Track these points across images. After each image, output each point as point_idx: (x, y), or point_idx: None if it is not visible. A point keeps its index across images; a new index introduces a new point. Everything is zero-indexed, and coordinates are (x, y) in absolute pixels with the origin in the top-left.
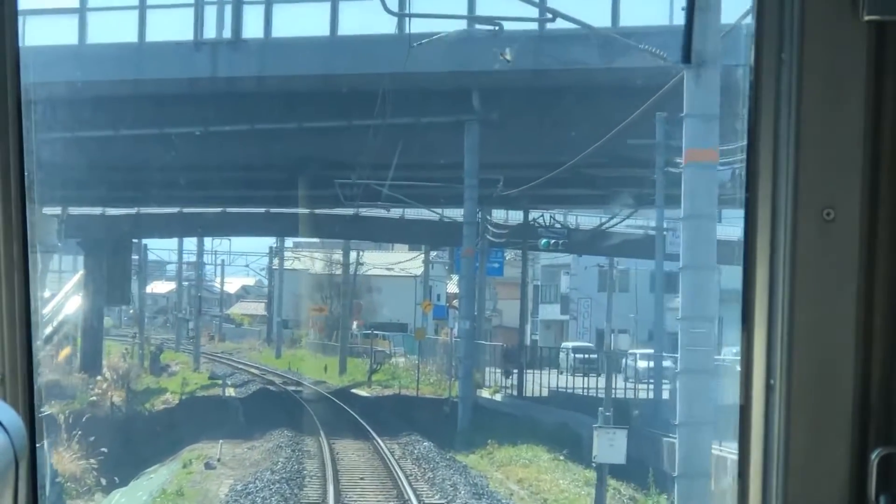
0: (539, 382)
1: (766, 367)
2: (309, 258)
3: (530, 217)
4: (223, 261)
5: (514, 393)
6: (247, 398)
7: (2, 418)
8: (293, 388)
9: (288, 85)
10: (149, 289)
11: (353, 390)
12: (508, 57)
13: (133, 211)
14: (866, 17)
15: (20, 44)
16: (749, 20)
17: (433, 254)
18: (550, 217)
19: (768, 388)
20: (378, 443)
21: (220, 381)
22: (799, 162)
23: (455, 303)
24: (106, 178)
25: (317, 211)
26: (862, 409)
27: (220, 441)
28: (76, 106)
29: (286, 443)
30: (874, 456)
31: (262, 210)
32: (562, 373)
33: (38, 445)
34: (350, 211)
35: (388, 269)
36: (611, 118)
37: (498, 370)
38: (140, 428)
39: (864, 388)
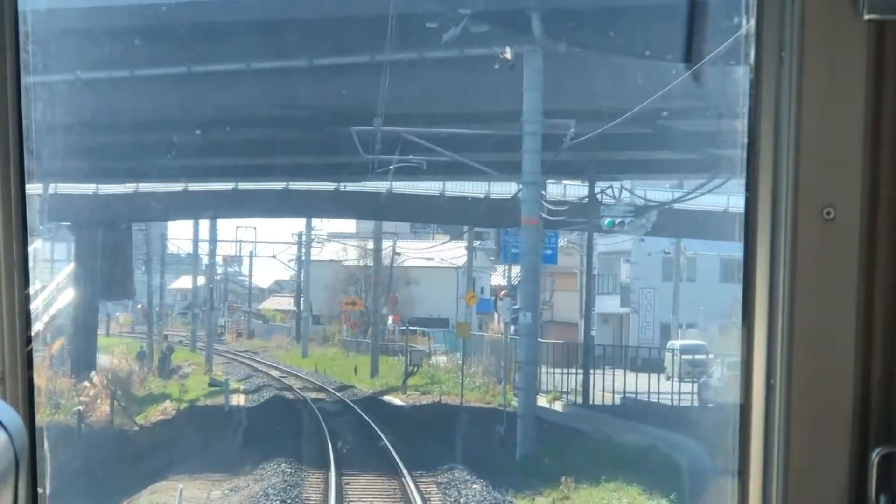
0: (603, 387)
1: (767, 366)
2: (342, 248)
3: (596, 188)
4: (251, 252)
5: (578, 401)
6: (254, 410)
7: (2, 418)
8: (313, 395)
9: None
10: (168, 282)
11: (386, 397)
12: (509, 56)
13: (130, 188)
14: (866, 17)
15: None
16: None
17: (476, 242)
18: (621, 188)
19: (768, 388)
20: (408, 483)
21: (228, 387)
22: (799, 161)
23: (504, 294)
24: (97, 142)
25: (344, 187)
26: (862, 408)
27: (181, 487)
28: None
29: (280, 483)
30: (874, 455)
31: (281, 186)
32: (668, 378)
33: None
34: (382, 185)
35: (428, 258)
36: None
37: (555, 371)
38: (112, 451)
39: (864, 388)
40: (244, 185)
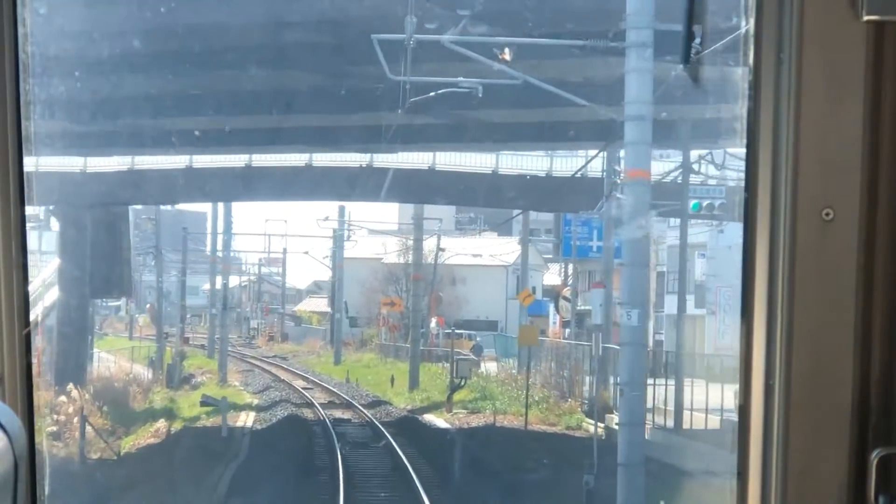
0: (692, 404)
1: (766, 367)
2: (380, 243)
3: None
4: (284, 249)
5: (668, 423)
6: (257, 436)
7: (1, 419)
8: (337, 414)
9: None
10: (195, 280)
11: (425, 416)
12: (508, 57)
13: (124, 164)
14: (865, 18)
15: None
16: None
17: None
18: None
19: (768, 388)
20: None
21: (226, 406)
22: (798, 162)
23: (567, 292)
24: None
25: (376, 161)
26: (861, 409)
27: None
28: None
29: None
30: (873, 456)
31: (303, 161)
32: None
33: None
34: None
35: (475, 254)
36: None
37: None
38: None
39: (864, 389)
40: (260, 159)
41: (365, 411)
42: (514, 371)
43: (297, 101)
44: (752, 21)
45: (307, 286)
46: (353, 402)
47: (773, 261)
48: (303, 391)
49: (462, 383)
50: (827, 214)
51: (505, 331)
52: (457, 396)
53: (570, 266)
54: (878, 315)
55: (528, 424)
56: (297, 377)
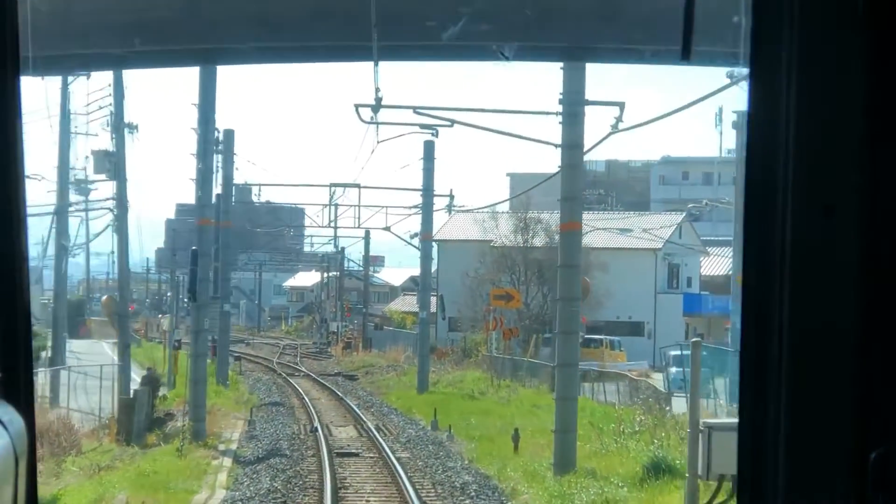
0: None
1: (766, 365)
2: (487, 217)
3: None
4: (367, 232)
5: None
6: None
7: (2, 417)
8: None
9: None
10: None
11: None
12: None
13: None
14: (866, 17)
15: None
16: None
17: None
18: None
19: (767, 387)
20: None
21: None
22: (799, 161)
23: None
24: None
25: None
26: (861, 408)
27: None
28: None
29: None
30: (873, 456)
31: None
32: None
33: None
34: None
35: (623, 229)
36: None
37: None
38: None
39: (864, 388)
40: None
41: None
42: (718, 408)
43: None
44: (750, 17)
45: (402, 282)
46: (439, 480)
47: (774, 259)
48: (360, 454)
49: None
50: (827, 212)
51: (654, 335)
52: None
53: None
54: (878, 314)
55: None
56: (347, 424)
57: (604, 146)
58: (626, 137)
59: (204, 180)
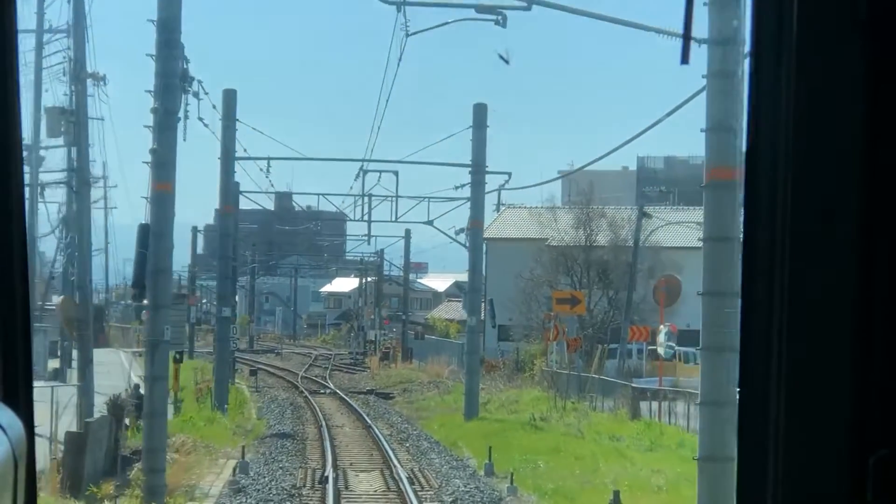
0: None
1: (765, 366)
2: (545, 211)
3: None
4: (407, 231)
5: None
6: None
7: (1, 420)
8: None
9: None
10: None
11: None
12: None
13: None
14: (866, 18)
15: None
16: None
17: None
18: None
19: (766, 388)
20: None
21: None
22: (797, 163)
23: None
24: None
25: None
26: (860, 410)
27: None
28: None
29: None
30: (873, 458)
31: None
32: None
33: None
34: None
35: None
36: None
37: None
38: None
39: (863, 389)
40: None
41: None
42: None
43: None
44: (749, 19)
45: (446, 287)
46: None
47: (773, 261)
48: None
49: None
50: (826, 212)
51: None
52: None
53: None
54: (877, 315)
55: None
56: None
57: (661, 142)
58: (685, 133)
59: (161, 128)
